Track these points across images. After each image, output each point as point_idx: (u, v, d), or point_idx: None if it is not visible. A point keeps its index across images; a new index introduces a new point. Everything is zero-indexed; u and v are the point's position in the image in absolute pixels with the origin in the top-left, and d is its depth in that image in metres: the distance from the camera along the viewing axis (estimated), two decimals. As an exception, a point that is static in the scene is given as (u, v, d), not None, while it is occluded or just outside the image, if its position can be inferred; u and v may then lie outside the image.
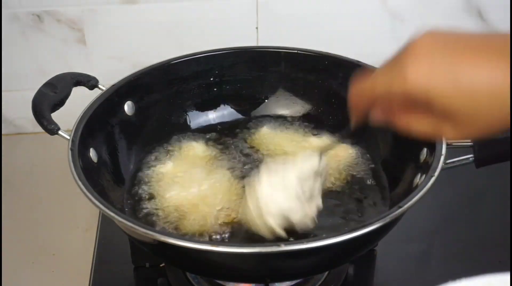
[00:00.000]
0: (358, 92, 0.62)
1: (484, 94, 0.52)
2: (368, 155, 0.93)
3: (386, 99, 0.59)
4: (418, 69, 0.54)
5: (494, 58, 0.52)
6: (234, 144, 0.97)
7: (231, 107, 1.03)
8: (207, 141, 0.97)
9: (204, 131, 1.00)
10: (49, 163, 1.12)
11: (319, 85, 1.00)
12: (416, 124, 0.59)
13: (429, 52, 0.54)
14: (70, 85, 0.88)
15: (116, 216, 0.69)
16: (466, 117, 0.54)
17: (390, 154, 0.92)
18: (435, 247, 0.96)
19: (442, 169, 0.74)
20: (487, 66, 0.52)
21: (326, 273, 0.86)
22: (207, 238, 0.80)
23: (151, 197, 0.87)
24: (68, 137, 0.80)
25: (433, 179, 0.73)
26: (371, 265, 0.91)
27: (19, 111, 1.17)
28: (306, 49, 0.99)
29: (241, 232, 0.80)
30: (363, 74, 0.62)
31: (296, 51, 1.00)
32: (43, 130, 0.82)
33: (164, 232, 0.72)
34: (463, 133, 0.56)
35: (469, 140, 0.78)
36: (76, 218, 1.01)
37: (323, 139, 0.96)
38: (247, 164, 0.92)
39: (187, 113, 1.00)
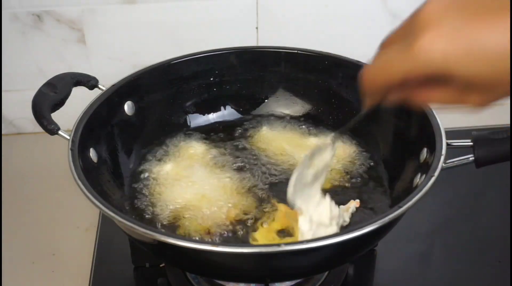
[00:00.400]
0: (371, 75, 0.56)
1: (506, 55, 0.47)
2: (368, 155, 0.93)
3: (403, 79, 0.53)
4: (433, 43, 0.49)
5: (507, 13, 0.47)
6: (234, 144, 0.97)
7: (231, 107, 1.03)
8: (207, 141, 0.98)
9: (204, 131, 1.00)
10: (49, 163, 1.12)
11: (319, 85, 1.00)
12: (437, 98, 0.55)
13: (440, 20, 0.49)
14: (70, 85, 0.88)
15: (116, 216, 0.69)
16: (490, 83, 0.50)
17: (390, 154, 0.92)
18: (435, 247, 0.96)
19: (442, 169, 0.74)
20: (504, 25, 0.47)
21: (326, 273, 0.86)
22: (207, 238, 0.80)
23: (151, 196, 0.87)
24: (68, 137, 0.80)
25: (433, 179, 0.73)
26: (371, 265, 0.91)
27: (19, 111, 1.17)
28: (306, 49, 0.99)
29: (241, 231, 0.81)
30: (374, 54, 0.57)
31: (296, 51, 1.00)
32: (43, 130, 0.82)
33: (164, 232, 0.72)
34: (489, 99, 0.52)
35: (469, 140, 0.79)
36: (76, 218, 1.01)
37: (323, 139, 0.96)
38: (247, 163, 0.93)
39: (187, 113, 1.00)
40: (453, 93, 0.53)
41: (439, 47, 0.49)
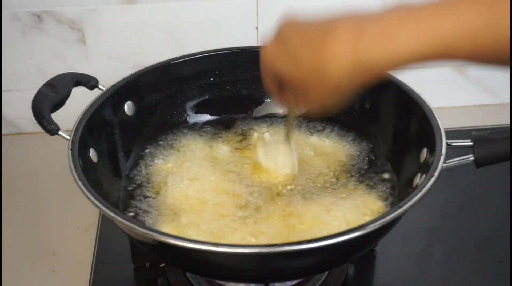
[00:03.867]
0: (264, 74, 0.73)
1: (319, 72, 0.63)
2: (367, 155, 0.93)
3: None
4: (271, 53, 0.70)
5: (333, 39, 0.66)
6: (234, 144, 0.97)
7: (231, 107, 1.02)
8: (207, 141, 0.97)
9: (204, 131, 1.00)
10: (49, 163, 1.12)
11: (319, 85, 1.00)
12: (289, 102, 0.75)
13: (281, 39, 0.69)
14: (70, 85, 0.88)
15: (116, 216, 0.69)
16: (312, 91, 0.66)
17: (390, 154, 0.92)
18: (435, 247, 0.96)
19: (442, 169, 0.74)
20: (328, 50, 0.65)
21: (326, 273, 0.86)
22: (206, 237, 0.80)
23: (151, 196, 0.87)
24: (68, 137, 0.80)
25: (433, 179, 0.73)
26: (371, 265, 0.91)
27: (19, 111, 1.17)
28: (306, 49, 0.99)
29: (240, 230, 0.80)
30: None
31: (296, 51, 1.00)
32: (43, 130, 0.82)
33: (164, 232, 0.72)
34: (313, 103, 0.68)
35: (469, 140, 0.79)
36: (76, 218, 1.01)
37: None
38: (247, 163, 0.92)
39: (187, 113, 1.01)
40: (293, 97, 0.71)
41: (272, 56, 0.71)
